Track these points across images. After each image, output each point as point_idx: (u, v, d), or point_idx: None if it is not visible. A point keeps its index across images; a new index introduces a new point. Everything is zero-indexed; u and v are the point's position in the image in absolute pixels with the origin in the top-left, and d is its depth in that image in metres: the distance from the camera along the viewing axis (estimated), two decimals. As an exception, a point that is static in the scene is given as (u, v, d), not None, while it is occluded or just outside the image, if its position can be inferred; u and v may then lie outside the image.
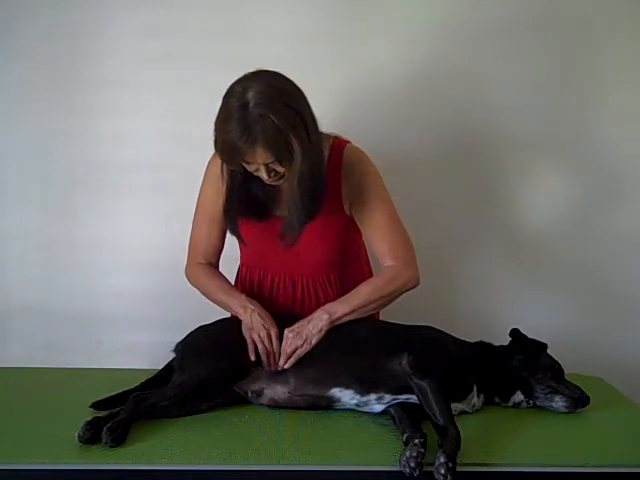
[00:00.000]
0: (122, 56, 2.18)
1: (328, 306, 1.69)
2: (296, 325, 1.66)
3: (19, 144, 2.23)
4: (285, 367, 1.62)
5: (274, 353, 1.63)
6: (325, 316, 1.66)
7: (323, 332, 1.65)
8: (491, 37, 2.21)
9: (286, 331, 1.65)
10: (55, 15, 2.15)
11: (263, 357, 1.63)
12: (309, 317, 1.67)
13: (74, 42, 2.17)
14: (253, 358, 1.63)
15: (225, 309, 1.78)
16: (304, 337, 1.64)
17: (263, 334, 1.64)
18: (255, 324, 1.66)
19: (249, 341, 1.65)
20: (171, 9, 2.16)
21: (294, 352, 1.63)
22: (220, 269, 1.87)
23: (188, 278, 1.85)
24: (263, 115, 1.46)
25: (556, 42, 2.23)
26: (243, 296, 1.74)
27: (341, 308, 1.67)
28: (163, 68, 2.17)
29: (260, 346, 1.63)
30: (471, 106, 2.25)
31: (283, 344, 1.64)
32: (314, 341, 1.64)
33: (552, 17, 2.21)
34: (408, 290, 1.73)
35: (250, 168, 1.58)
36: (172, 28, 2.16)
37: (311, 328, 1.65)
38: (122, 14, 2.16)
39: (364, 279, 1.77)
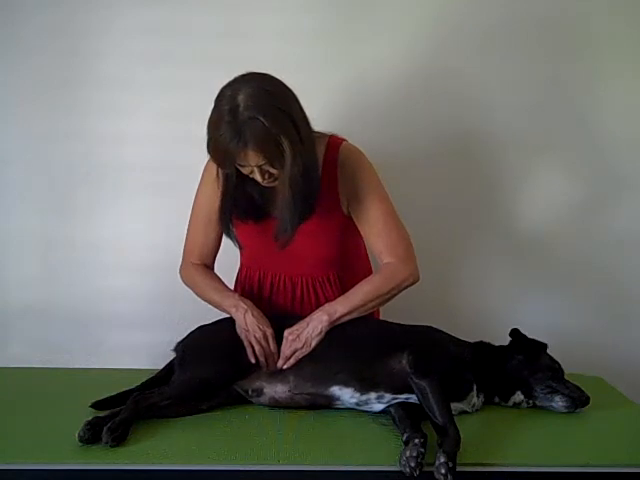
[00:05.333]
0: (122, 56, 2.18)
1: (327, 306, 1.68)
2: (295, 327, 1.65)
3: (19, 144, 2.23)
4: (284, 367, 1.62)
5: (272, 354, 1.63)
6: (325, 317, 1.65)
7: (323, 334, 1.64)
8: (491, 37, 2.22)
9: (286, 333, 1.64)
10: (55, 15, 2.15)
11: (261, 359, 1.62)
12: (308, 318, 1.66)
13: (74, 42, 2.17)
14: (253, 361, 1.62)
15: (217, 308, 1.77)
16: (304, 340, 1.63)
17: (259, 335, 1.63)
18: (250, 325, 1.65)
19: (246, 344, 1.64)
20: (171, 9, 2.16)
21: (293, 354, 1.62)
22: (220, 271, 1.86)
23: (182, 278, 1.85)
24: (253, 117, 1.47)
25: (555, 42, 2.23)
26: (236, 295, 1.74)
27: (340, 308, 1.66)
28: (163, 68, 2.17)
29: (257, 348, 1.63)
30: (469, 106, 2.25)
31: (283, 346, 1.63)
32: (314, 343, 1.63)
33: (549, 17, 2.21)
34: (408, 287, 1.71)
35: (244, 171, 1.59)
36: (172, 28, 2.16)
37: (311, 330, 1.64)
38: (122, 14, 2.16)
39: (364, 278, 1.76)
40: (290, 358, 1.62)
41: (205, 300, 1.79)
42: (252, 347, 1.63)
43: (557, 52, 2.23)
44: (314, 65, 2.15)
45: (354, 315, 1.68)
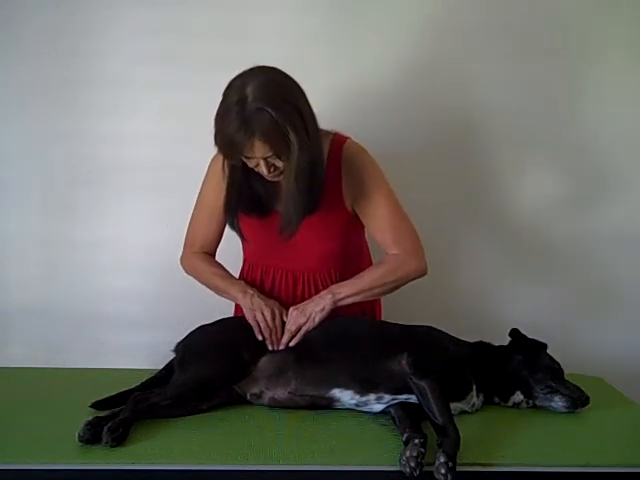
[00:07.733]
0: (122, 56, 2.18)
1: (333, 287, 1.72)
2: (300, 304, 1.70)
3: (19, 144, 2.23)
4: (290, 345, 1.64)
5: (277, 330, 1.66)
6: (329, 296, 1.69)
7: (326, 311, 1.67)
8: (491, 37, 2.22)
9: (290, 309, 1.68)
10: (56, 15, 2.15)
11: (266, 334, 1.65)
12: (313, 297, 1.70)
13: (75, 42, 2.17)
14: (260, 338, 1.65)
15: (222, 295, 1.79)
16: (308, 315, 1.66)
17: (266, 312, 1.66)
18: (256, 305, 1.68)
19: (253, 323, 1.67)
20: (171, 9, 2.16)
21: (298, 330, 1.65)
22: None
23: (183, 266, 1.87)
24: (260, 109, 1.48)
25: (545, 42, 2.23)
26: (242, 282, 1.78)
27: (345, 290, 1.70)
28: (163, 68, 2.17)
29: (263, 324, 1.66)
30: (469, 106, 2.26)
31: (287, 322, 1.67)
32: (317, 319, 1.66)
33: (538, 18, 2.22)
34: (415, 279, 1.75)
35: (250, 164, 1.60)
36: (172, 28, 2.17)
37: (314, 306, 1.67)
38: (122, 14, 2.17)
39: None
40: (295, 334, 1.65)
41: (209, 287, 1.81)
42: (259, 326, 1.66)
43: (555, 52, 2.24)
44: (314, 65, 2.15)
45: (358, 298, 1.71)
